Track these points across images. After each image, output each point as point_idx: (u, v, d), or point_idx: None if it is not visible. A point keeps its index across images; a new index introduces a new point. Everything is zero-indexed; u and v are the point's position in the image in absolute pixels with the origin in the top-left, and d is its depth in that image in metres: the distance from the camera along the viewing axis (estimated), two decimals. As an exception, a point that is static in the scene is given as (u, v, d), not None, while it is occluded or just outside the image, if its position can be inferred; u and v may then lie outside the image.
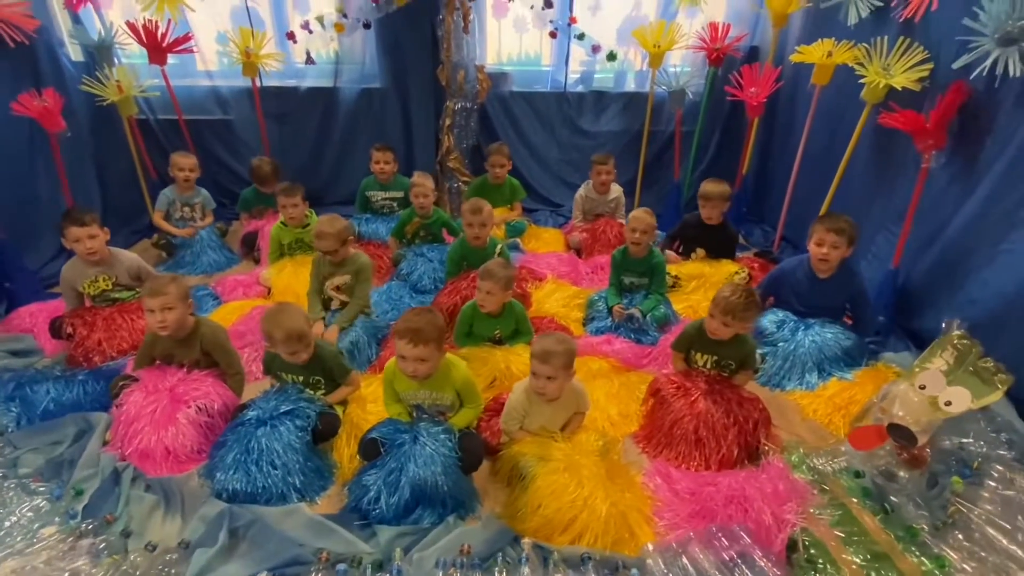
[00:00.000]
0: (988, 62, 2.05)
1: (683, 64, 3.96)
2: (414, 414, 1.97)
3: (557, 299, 2.91)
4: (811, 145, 3.27)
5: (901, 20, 2.53)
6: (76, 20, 3.46)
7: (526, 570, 1.48)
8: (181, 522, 1.75)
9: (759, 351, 2.51)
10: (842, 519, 1.64)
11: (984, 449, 1.91)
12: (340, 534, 1.68)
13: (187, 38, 3.50)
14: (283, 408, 1.94)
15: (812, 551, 1.55)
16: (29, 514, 1.65)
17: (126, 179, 3.71)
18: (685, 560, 1.52)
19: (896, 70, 2.59)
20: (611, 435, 2.13)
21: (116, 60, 3.58)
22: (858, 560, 1.50)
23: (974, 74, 2.10)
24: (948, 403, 1.66)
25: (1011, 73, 1.99)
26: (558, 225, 3.92)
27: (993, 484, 1.78)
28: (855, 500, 1.73)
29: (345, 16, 3.63)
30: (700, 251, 3.20)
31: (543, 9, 3.67)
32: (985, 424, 2.05)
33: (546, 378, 1.80)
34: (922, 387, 1.70)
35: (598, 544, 1.64)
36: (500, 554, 1.58)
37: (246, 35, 3.50)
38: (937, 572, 1.48)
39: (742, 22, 3.83)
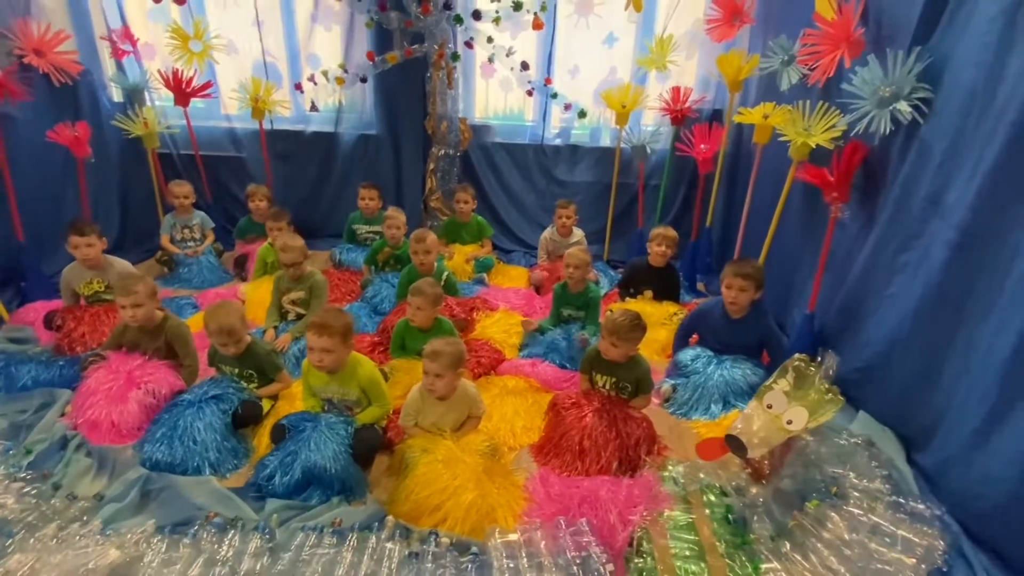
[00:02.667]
0: (865, 121, 2.25)
1: (655, 123, 4.25)
2: (326, 408, 2.21)
3: (500, 326, 3.13)
4: (758, 199, 3.46)
5: (809, 85, 2.76)
6: (120, 67, 4.05)
7: (374, 537, 1.66)
8: (107, 483, 2.00)
9: (672, 382, 2.66)
10: (683, 523, 1.75)
11: (852, 477, 1.99)
12: (235, 502, 1.89)
13: (208, 85, 4.03)
14: (212, 393, 2.21)
15: (644, 546, 1.67)
16: (-21, 461, 1.94)
17: (145, 204, 4.18)
18: (523, 544, 1.67)
19: (816, 130, 2.80)
20: (511, 445, 2.31)
21: (150, 101, 4.15)
22: (680, 555, 1.61)
23: (854, 132, 2.31)
24: (789, 421, 1.79)
25: (882, 130, 2.19)
26: (530, 265, 4.17)
27: (848, 508, 1.86)
28: (706, 511, 1.84)
29: (346, 71, 4.11)
30: (648, 292, 3.39)
31: (521, 71, 4.06)
32: (869, 459, 2.14)
33: (434, 375, 2.02)
34: (769, 406, 1.83)
35: (457, 529, 1.80)
36: (357, 524, 1.75)
37: (257, 84, 4.01)
38: (753, 572, 1.58)
39: (708, 87, 4.13)
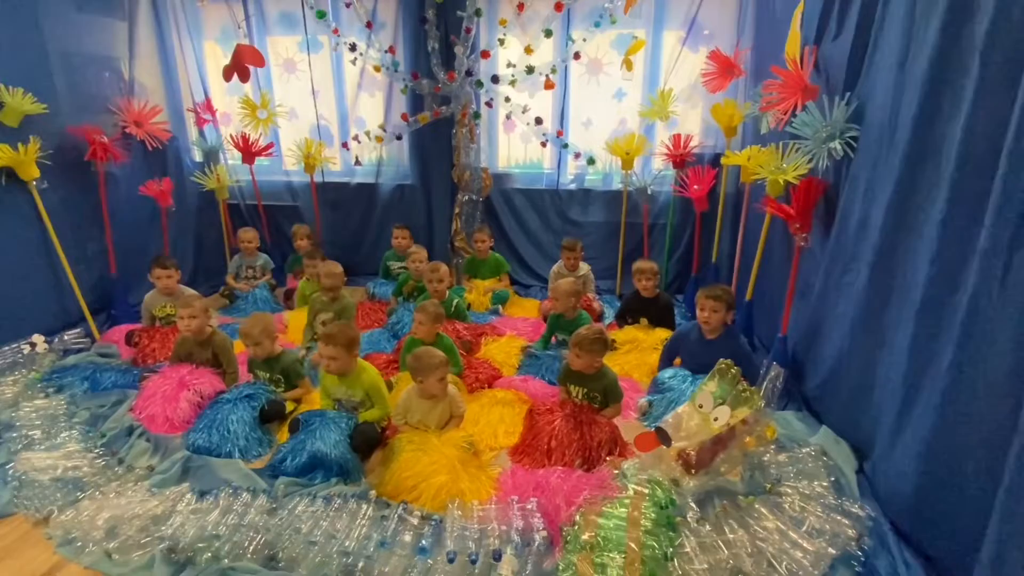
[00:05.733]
0: (807, 157, 2.51)
1: (664, 167, 4.58)
2: (336, 407, 2.61)
3: (504, 349, 3.47)
4: (753, 233, 3.69)
5: (771, 128, 3.03)
6: (201, 133, 4.87)
7: (355, 502, 2.01)
8: (158, 460, 2.46)
9: (649, 398, 2.90)
10: (619, 504, 1.99)
11: (795, 481, 2.17)
12: (254, 478, 2.30)
13: (270, 146, 4.75)
14: (245, 393, 2.67)
15: (578, 520, 1.92)
16: (67, 437, 2.46)
17: (216, 246, 4.91)
18: (475, 513, 1.97)
19: (789, 168, 3.05)
20: (492, 446, 2.61)
21: (223, 160, 4.92)
22: (604, 526, 1.85)
23: (792, 164, 2.56)
24: (716, 419, 2.02)
25: (821, 165, 2.44)
26: (545, 298, 4.52)
27: (779, 503, 2.04)
28: (647, 496, 2.07)
29: (384, 130, 4.73)
30: (643, 320, 3.64)
31: (536, 126, 4.53)
32: (819, 467, 2.30)
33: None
34: (700, 406, 2.07)
35: (427, 506, 2.12)
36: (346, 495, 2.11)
37: (309, 144, 4.68)
38: (668, 543, 1.80)
39: (713, 134, 4.44)
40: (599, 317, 4.01)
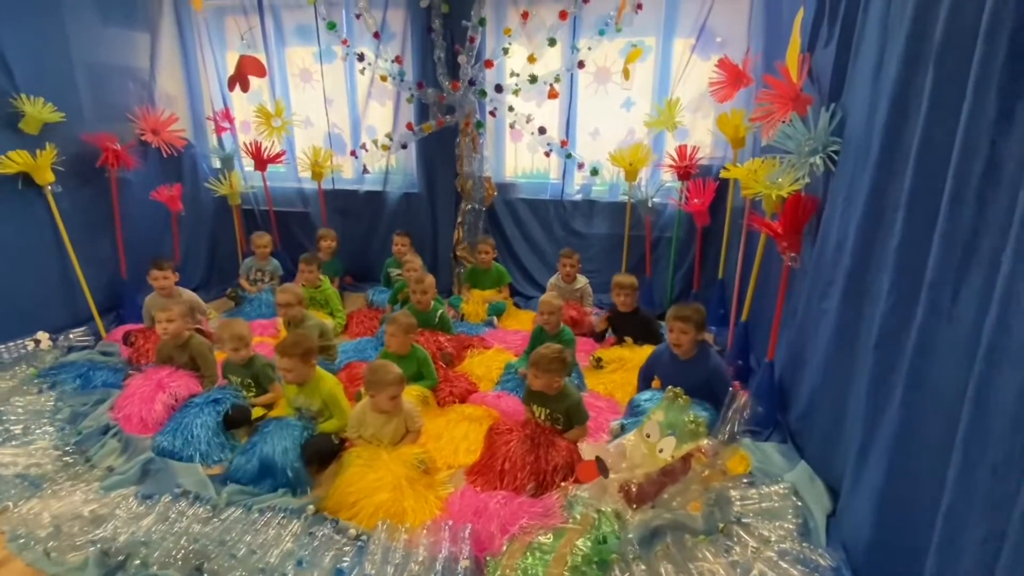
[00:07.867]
0: (796, 172, 2.35)
1: (672, 179, 4.42)
2: (297, 416, 2.61)
3: (486, 363, 3.41)
4: (752, 250, 3.49)
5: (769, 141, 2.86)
6: (219, 141, 5.03)
7: (287, 516, 1.99)
8: (124, 461, 2.52)
9: (622, 420, 2.77)
10: (554, 535, 1.89)
11: (755, 522, 2.01)
12: (207, 484, 2.31)
13: (282, 153, 4.86)
14: (213, 397, 2.71)
15: (503, 551, 1.84)
16: (41, 434, 2.55)
17: (230, 250, 5.05)
18: (404, 536, 1.91)
19: (784, 183, 2.87)
20: (451, 463, 2.55)
21: (239, 167, 5.07)
22: (524, 560, 1.76)
23: (782, 179, 2.40)
24: (661, 450, 1.90)
25: (803, 181, 2.28)
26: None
27: (730, 545, 1.90)
28: (590, 530, 1.96)
29: (391, 139, 4.76)
30: (628, 340, 3.51)
31: (539, 135, 4.46)
32: (787, 507, 2.13)
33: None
34: (648, 435, 1.95)
35: (364, 524, 2.07)
36: (288, 508, 2.09)
37: (316, 152, 4.76)
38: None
39: (720, 145, 4.26)
40: (593, 332, 3.89)
